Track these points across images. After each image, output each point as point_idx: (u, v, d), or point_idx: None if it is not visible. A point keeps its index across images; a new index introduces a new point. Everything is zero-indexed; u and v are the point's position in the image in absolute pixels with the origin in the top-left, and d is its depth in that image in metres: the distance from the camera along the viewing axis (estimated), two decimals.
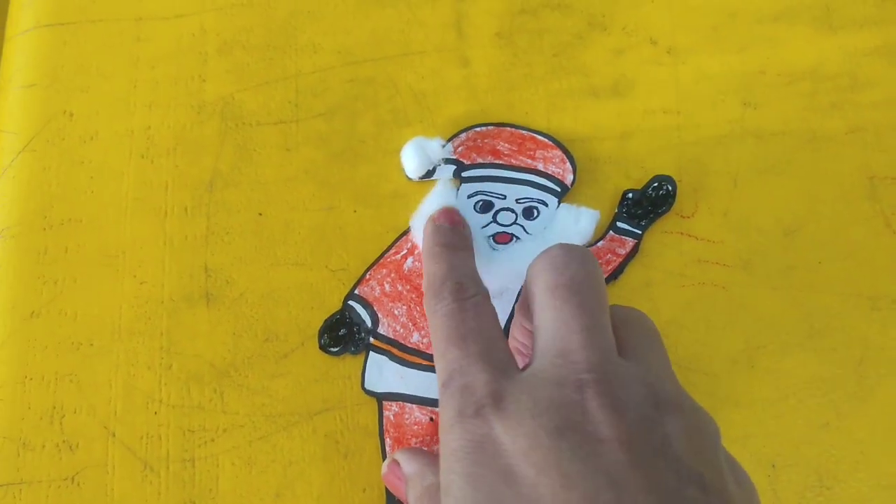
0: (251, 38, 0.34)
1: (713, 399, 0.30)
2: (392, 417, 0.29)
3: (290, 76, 0.34)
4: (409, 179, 0.32)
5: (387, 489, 0.29)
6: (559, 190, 0.32)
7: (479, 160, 0.33)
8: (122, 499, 0.28)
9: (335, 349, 0.30)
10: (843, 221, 0.33)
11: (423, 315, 0.30)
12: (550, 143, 0.33)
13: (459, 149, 0.33)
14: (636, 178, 0.33)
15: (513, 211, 0.32)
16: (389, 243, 0.32)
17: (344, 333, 0.30)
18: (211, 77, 0.34)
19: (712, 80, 0.34)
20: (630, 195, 0.32)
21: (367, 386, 0.30)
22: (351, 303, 0.31)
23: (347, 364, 0.30)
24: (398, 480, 0.26)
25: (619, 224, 0.32)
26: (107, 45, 0.34)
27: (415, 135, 0.33)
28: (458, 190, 0.32)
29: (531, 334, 0.27)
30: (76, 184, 0.32)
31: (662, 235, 0.32)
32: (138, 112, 0.33)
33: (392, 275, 0.31)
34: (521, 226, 0.32)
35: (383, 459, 0.29)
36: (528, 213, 0.32)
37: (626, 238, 0.32)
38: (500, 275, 0.31)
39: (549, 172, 0.32)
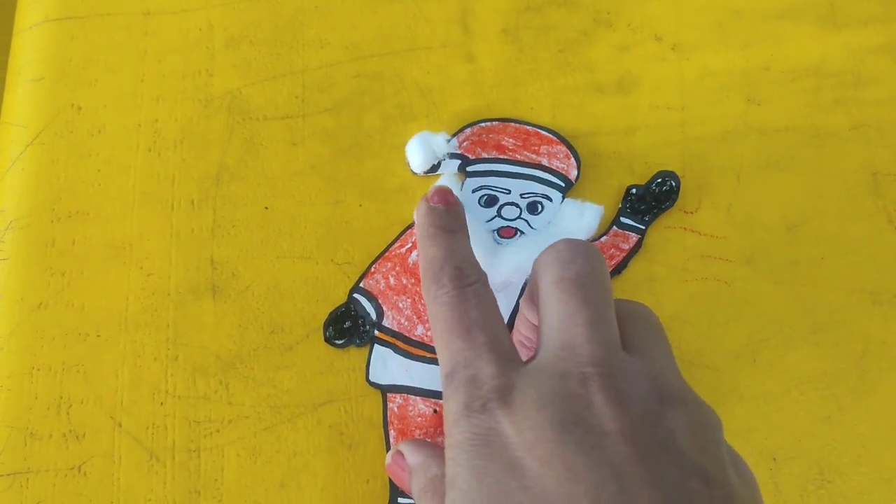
0: (258, 32, 0.35)
1: (716, 393, 0.31)
2: (396, 409, 0.30)
3: (297, 71, 0.34)
4: (415, 174, 0.33)
5: (390, 480, 0.29)
6: (563, 185, 0.32)
7: (484, 155, 0.33)
8: (128, 488, 0.29)
9: (340, 341, 0.30)
10: (846, 217, 0.33)
11: None
12: (555, 138, 0.33)
13: (464, 144, 0.33)
14: (640, 174, 0.33)
15: (517, 206, 0.32)
16: (394, 237, 0.32)
17: (349, 326, 0.30)
18: (218, 71, 0.34)
19: (716, 76, 0.34)
20: (634, 190, 0.32)
21: (371, 378, 0.30)
22: (356, 296, 0.31)
23: (352, 356, 0.30)
24: (402, 471, 0.26)
25: (623, 219, 0.32)
26: (115, 39, 0.34)
27: (420, 130, 0.33)
28: (462, 184, 0.32)
29: (536, 329, 0.27)
30: (84, 176, 0.32)
31: (666, 230, 0.32)
32: (146, 106, 0.33)
33: (397, 268, 0.31)
34: (526, 220, 0.32)
35: (387, 451, 0.29)
36: (533, 208, 0.32)
37: (630, 233, 0.32)
38: (505, 269, 0.31)
39: (554, 168, 0.33)
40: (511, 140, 0.33)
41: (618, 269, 0.32)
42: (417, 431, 0.29)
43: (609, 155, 0.33)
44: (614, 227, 0.32)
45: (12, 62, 0.35)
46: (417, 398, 0.30)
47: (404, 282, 0.31)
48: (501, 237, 0.32)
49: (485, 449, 0.21)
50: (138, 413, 0.29)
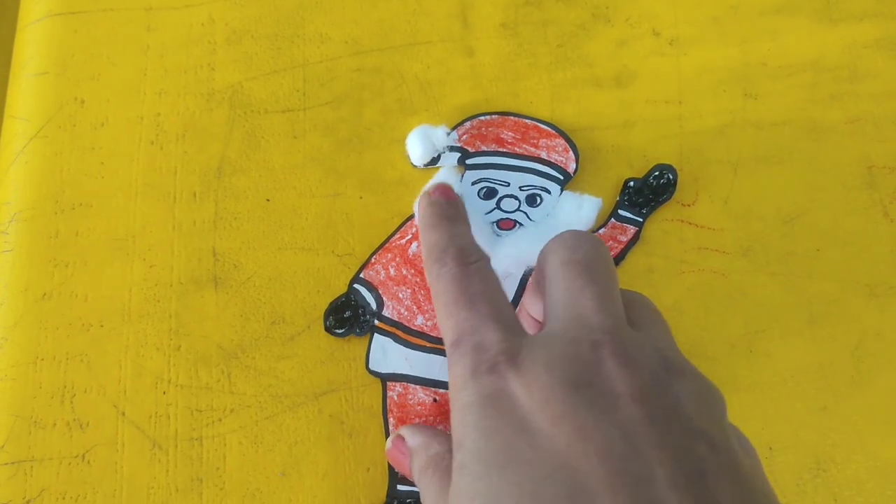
0: (259, 27, 0.35)
1: None
2: (396, 398, 0.30)
3: (298, 65, 0.34)
4: (415, 167, 0.33)
5: (389, 468, 0.29)
6: (562, 178, 0.33)
7: (484, 148, 0.33)
8: (131, 476, 0.29)
9: (340, 331, 0.31)
10: (841, 210, 0.33)
11: (428, 298, 0.31)
12: (554, 131, 0.33)
13: (464, 137, 0.33)
14: (638, 167, 0.33)
15: (516, 198, 0.32)
16: (394, 228, 0.32)
17: (349, 315, 0.31)
18: (220, 66, 0.34)
19: (714, 71, 0.35)
20: (632, 183, 0.33)
21: (371, 366, 0.30)
22: (356, 286, 0.31)
23: (352, 346, 0.31)
24: (402, 455, 0.27)
25: (621, 212, 0.33)
26: (117, 33, 0.35)
27: (420, 123, 0.33)
28: (462, 177, 0.33)
29: (536, 323, 0.28)
30: (87, 169, 0.33)
31: (663, 223, 0.33)
32: (148, 99, 0.34)
33: (397, 259, 0.32)
34: (525, 212, 0.32)
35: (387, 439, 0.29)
36: (532, 201, 0.32)
37: (628, 225, 0.32)
38: (504, 260, 0.31)
39: (553, 161, 0.33)
40: (510, 133, 0.33)
41: (616, 261, 0.32)
42: (417, 420, 0.30)
43: (607, 148, 0.34)
44: (612, 220, 0.32)
45: (16, 56, 0.35)
46: (417, 387, 0.30)
47: (404, 272, 0.31)
48: (500, 229, 0.32)
49: (493, 410, 0.21)
50: (141, 402, 0.30)
